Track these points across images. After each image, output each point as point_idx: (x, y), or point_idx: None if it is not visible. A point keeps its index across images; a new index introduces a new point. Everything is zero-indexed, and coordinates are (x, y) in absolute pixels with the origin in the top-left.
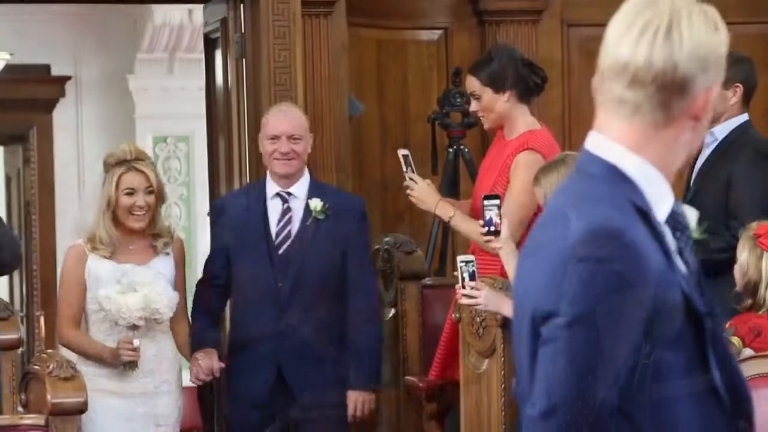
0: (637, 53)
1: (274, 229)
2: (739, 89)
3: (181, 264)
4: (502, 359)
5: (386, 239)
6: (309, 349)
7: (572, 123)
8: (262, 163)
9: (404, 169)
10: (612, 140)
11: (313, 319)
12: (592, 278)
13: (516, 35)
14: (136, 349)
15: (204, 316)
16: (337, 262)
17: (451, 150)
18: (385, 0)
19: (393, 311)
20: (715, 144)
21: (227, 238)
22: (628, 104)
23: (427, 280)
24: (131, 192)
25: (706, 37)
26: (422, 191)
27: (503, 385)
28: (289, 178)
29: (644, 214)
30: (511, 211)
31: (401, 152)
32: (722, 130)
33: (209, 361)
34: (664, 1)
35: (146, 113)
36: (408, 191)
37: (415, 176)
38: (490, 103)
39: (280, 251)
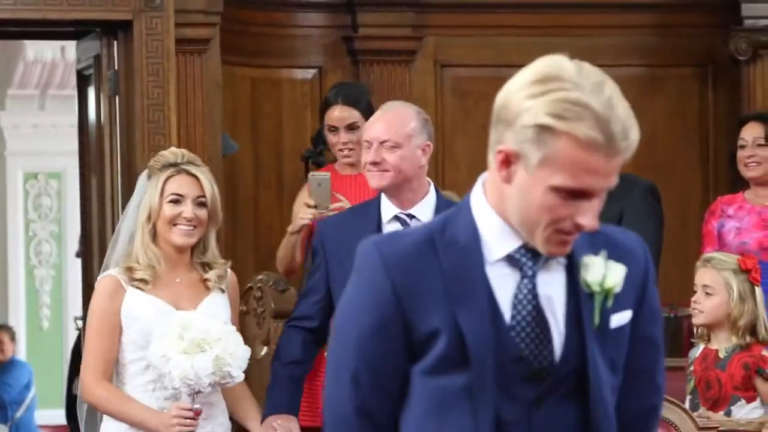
0: None
1: None
2: None
3: (236, 305)
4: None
5: (259, 277)
6: None
7: (445, 161)
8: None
9: (333, 195)
10: (481, 180)
11: None
12: (348, 288)
13: (390, 75)
14: (196, 418)
15: (285, 368)
16: None
17: None
18: (259, 38)
19: (265, 349)
20: None
21: (329, 271)
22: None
23: None
24: (178, 199)
25: (512, 91)
26: None
27: None
28: (404, 197)
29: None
30: None
31: (318, 176)
32: None
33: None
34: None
35: (17, 150)
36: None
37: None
38: None
39: None
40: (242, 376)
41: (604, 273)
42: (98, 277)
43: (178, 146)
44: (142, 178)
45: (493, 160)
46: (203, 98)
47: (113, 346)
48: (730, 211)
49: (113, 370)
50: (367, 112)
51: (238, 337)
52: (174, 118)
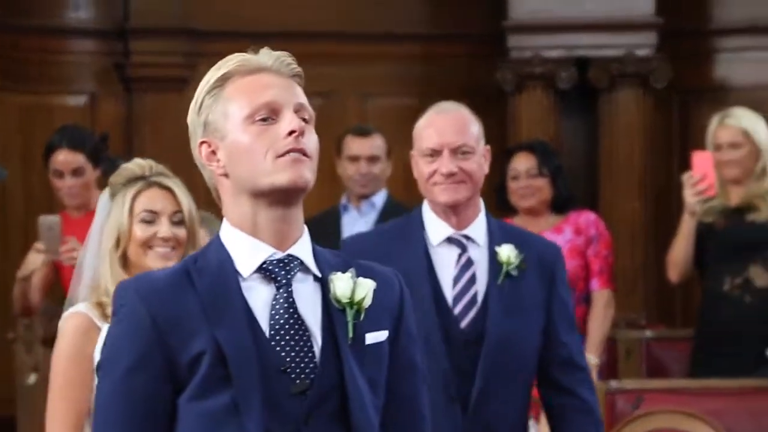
0: None
1: (449, 292)
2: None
3: None
4: None
5: None
6: None
7: None
8: None
9: (63, 238)
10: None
11: (513, 425)
12: (110, 330)
13: (162, 102)
14: None
15: None
16: (538, 338)
17: None
18: (29, 64)
19: (34, 376)
20: (376, 213)
21: None
22: None
23: None
24: (151, 218)
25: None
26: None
27: None
28: (464, 215)
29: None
30: None
31: (48, 220)
32: (379, 198)
33: None
34: None
35: None
36: (73, 254)
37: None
38: (91, 178)
39: (462, 324)
40: None
41: (352, 287)
42: (63, 315)
43: None
44: (103, 198)
45: (205, 164)
46: None
47: (85, 396)
48: None
49: (85, 424)
50: (92, 155)
51: None
52: None
